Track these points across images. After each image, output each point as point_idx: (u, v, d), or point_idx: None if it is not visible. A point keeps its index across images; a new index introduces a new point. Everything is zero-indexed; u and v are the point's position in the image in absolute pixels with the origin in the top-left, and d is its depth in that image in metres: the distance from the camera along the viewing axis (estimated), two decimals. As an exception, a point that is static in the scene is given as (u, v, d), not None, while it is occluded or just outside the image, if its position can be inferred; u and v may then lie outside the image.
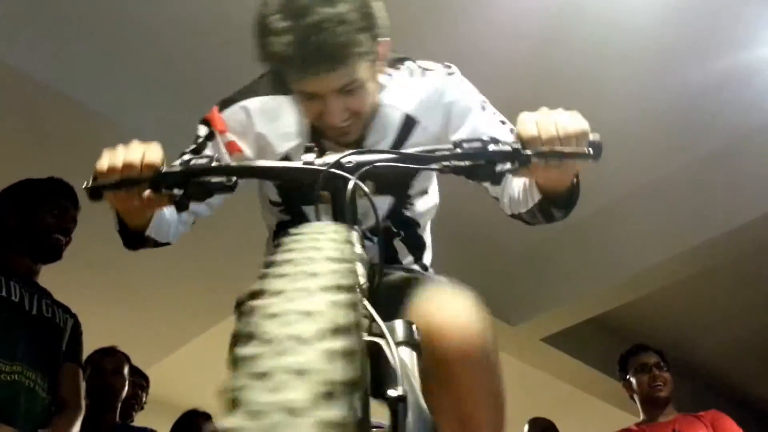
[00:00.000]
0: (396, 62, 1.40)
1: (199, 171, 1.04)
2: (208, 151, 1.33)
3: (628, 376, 3.20)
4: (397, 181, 1.41)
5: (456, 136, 1.31)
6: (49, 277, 2.33)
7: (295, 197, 1.40)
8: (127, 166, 1.07)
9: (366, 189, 0.98)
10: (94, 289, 3.87)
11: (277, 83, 1.33)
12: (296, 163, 1.04)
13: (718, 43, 3.16)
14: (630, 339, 4.57)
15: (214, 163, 1.05)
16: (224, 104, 1.38)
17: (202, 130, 1.38)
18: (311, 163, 1.02)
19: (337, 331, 0.46)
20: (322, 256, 0.57)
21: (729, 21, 3.05)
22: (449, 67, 1.41)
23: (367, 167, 1.00)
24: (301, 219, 1.41)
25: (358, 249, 0.64)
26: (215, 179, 1.04)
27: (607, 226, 3.91)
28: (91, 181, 1.09)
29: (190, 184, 1.05)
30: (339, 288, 0.51)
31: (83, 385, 2.32)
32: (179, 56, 3.06)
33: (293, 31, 1.11)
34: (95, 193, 1.08)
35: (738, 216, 3.58)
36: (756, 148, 3.51)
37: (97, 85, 2.97)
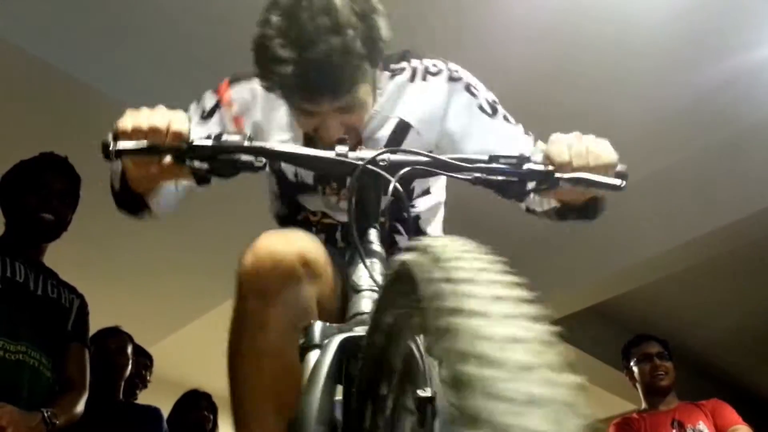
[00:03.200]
0: (398, 59, 1.36)
1: (231, 148, 1.01)
2: (213, 121, 1.31)
3: (630, 365, 3.23)
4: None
5: (470, 145, 1.30)
6: (53, 256, 2.32)
7: (291, 187, 1.39)
8: (153, 131, 1.01)
9: (401, 189, 0.96)
10: (98, 268, 3.87)
11: None
12: (329, 154, 1.03)
13: (728, 40, 3.16)
14: (628, 328, 4.60)
15: (247, 143, 1.02)
16: (235, 79, 1.36)
17: (210, 100, 1.35)
18: (345, 156, 1.01)
19: (559, 364, 0.45)
20: (498, 279, 0.55)
21: (739, 18, 3.04)
22: (455, 71, 1.36)
23: (407, 169, 0.98)
24: (297, 209, 1.41)
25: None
26: (245, 158, 1.01)
27: (607, 215, 3.88)
28: (111, 140, 1.01)
29: (216, 160, 1.02)
30: (536, 318, 0.50)
31: (88, 365, 2.32)
32: (188, 37, 3.04)
33: (297, 62, 1.08)
34: (115, 153, 1.00)
35: (738, 209, 3.59)
36: (758, 142, 3.52)
37: (105, 65, 2.96)
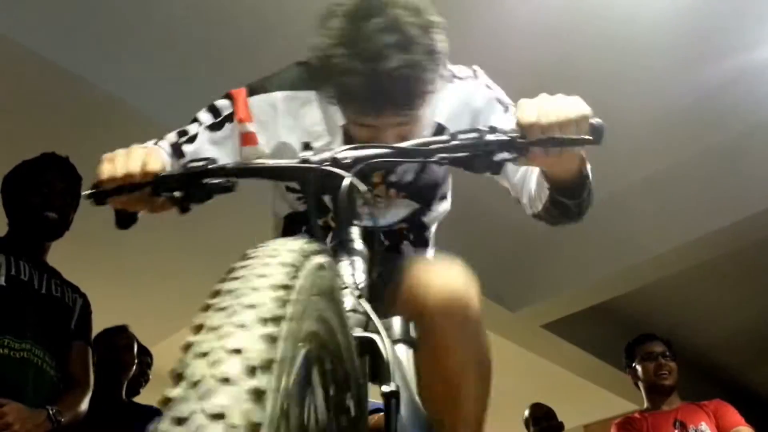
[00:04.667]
0: None
1: (198, 173, 1.05)
2: (225, 130, 1.30)
3: (634, 364, 3.23)
4: (426, 187, 1.40)
5: None
6: (56, 255, 2.33)
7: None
8: (128, 176, 1.07)
9: (362, 186, 0.94)
10: (101, 268, 3.88)
11: (306, 77, 1.29)
12: (291, 162, 1.03)
13: (730, 40, 3.17)
14: (630, 327, 4.59)
15: (210, 166, 1.05)
16: (253, 91, 1.33)
17: (224, 109, 1.32)
18: (307, 161, 1.00)
19: (261, 368, 0.45)
20: (267, 284, 0.54)
21: (740, 19, 3.05)
22: (475, 71, 1.38)
23: (364, 163, 0.98)
24: (320, 208, 1.38)
25: (317, 264, 0.62)
26: (214, 181, 1.04)
27: (610, 215, 3.91)
28: (91, 189, 1.10)
29: (189, 187, 1.06)
30: (272, 320, 0.49)
31: (91, 363, 2.34)
32: (192, 38, 3.05)
33: (366, 75, 1.07)
34: (97, 199, 1.09)
35: (740, 209, 3.60)
36: (760, 143, 3.51)
37: (109, 65, 2.95)
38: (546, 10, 2.98)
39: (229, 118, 1.30)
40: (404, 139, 1.15)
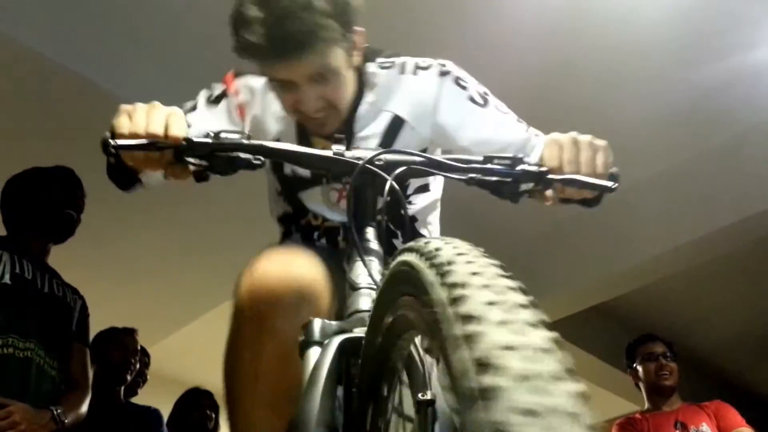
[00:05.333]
0: (387, 56, 1.40)
1: (230, 146, 1.01)
2: (220, 108, 1.36)
3: (635, 365, 3.23)
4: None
5: (464, 136, 1.32)
6: (55, 254, 2.33)
7: (290, 183, 1.40)
8: (151, 135, 1.02)
9: (398, 188, 0.96)
10: (99, 268, 3.87)
11: None
12: (327, 152, 1.04)
13: (729, 41, 3.16)
14: (631, 327, 4.59)
15: (244, 140, 1.02)
16: (239, 73, 1.41)
17: (217, 89, 1.39)
18: (342, 155, 1.02)
19: (572, 372, 0.44)
20: (513, 284, 0.54)
21: (739, 20, 3.04)
22: (443, 65, 1.38)
23: (403, 168, 0.99)
24: (299, 209, 1.42)
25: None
26: (243, 156, 1.01)
27: (611, 215, 3.90)
28: (109, 137, 1.02)
29: (215, 157, 1.02)
30: (546, 324, 0.48)
31: (90, 366, 2.34)
32: (197, 40, 3.04)
33: (263, 21, 1.11)
34: (113, 150, 1.01)
35: (740, 209, 3.59)
36: (760, 143, 3.51)
37: (115, 67, 2.95)
38: (546, 12, 2.97)
39: (224, 94, 1.38)
40: (328, 102, 1.22)
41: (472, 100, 1.34)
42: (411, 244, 0.65)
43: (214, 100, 1.37)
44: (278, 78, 1.20)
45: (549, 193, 1.07)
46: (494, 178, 1.03)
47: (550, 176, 1.04)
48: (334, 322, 0.91)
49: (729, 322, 5.10)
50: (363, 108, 1.34)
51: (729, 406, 3.07)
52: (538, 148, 1.11)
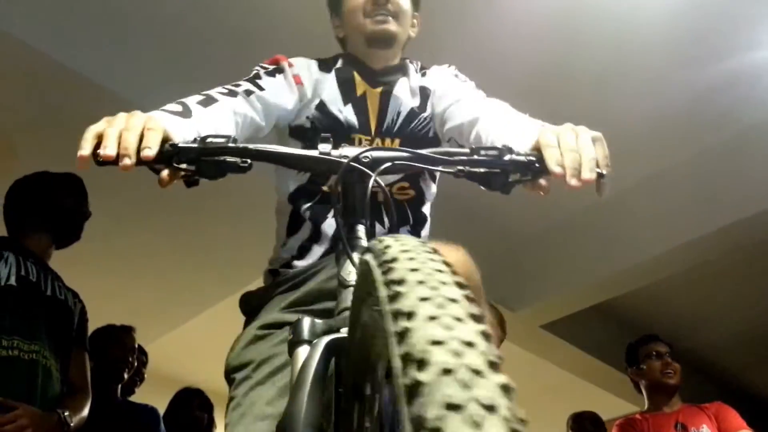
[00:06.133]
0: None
1: (216, 150, 1.01)
2: (279, 78, 1.46)
3: (639, 363, 3.21)
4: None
5: (446, 101, 1.47)
6: (54, 253, 2.33)
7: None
8: (124, 155, 0.96)
9: (384, 186, 0.98)
10: (96, 266, 3.86)
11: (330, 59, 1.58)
12: (313, 152, 1.05)
13: (728, 40, 3.16)
14: (630, 328, 4.59)
15: (230, 144, 1.02)
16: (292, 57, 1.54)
17: (269, 66, 1.49)
18: (328, 154, 1.03)
19: (495, 364, 0.46)
20: (449, 279, 0.55)
21: (739, 19, 3.04)
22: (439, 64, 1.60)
23: (388, 164, 1.00)
24: (317, 184, 1.45)
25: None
26: (230, 159, 1.01)
27: (610, 215, 3.91)
28: (88, 149, 0.98)
29: (202, 162, 1.02)
30: (476, 318, 0.50)
31: (88, 369, 2.34)
32: (204, 42, 3.03)
33: None
34: (100, 164, 0.98)
35: (739, 209, 3.58)
36: (759, 143, 3.50)
37: (121, 69, 2.95)
38: (544, 11, 2.96)
39: (279, 69, 1.49)
40: (396, 5, 1.50)
41: (456, 76, 1.55)
42: (370, 243, 0.69)
43: (271, 72, 1.46)
44: None
45: (542, 182, 1.04)
46: (482, 170, 1.02)
47: (537, 165, 1.02)
48: (322, 321, 0.91)
49: (729, 323, 5.09)
50: (405, 68, 1.57)
51: (729, 407, 3.06)
52: (531, 137, 1.08)
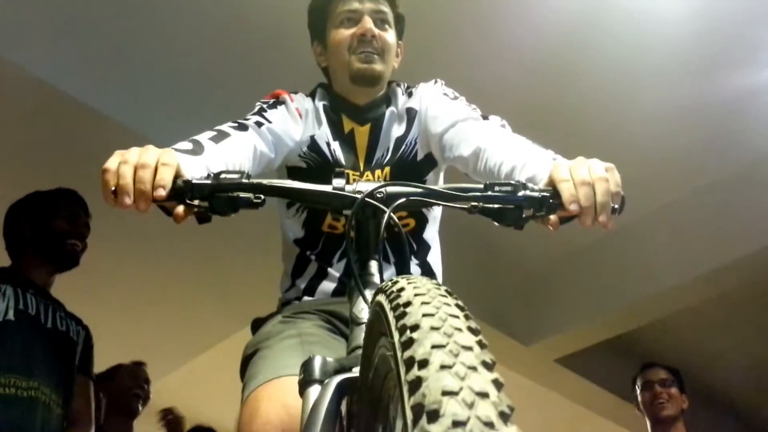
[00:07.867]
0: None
1: (229, 186, 1.01)
2: (281, 111, 1.45)
3: (637, 396, 3.12)
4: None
5: (438, 121, 1.45)
6: (61, 287, 2.31)
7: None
8: (139, 195, 0.98)
9: (398, 222, 0.98)
10: (104, 301, 3.86)
11: (323, 93, 1.57)
12: (327, 188, 1.04)
13: (740, 68, 3.16)
14: (645, 362, 4.50)
15: (244, 180, 1.02)
16: (292, 92, 1.54)
17: (269, 100, 1.48)
18: (342, 189, 1.02)
19: (507, 416, 0.46)
20: (463, 325, 0.55)
21: (751, 48, 3.04)
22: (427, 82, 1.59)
23: (403, 200, 1.00)
24: (317, 217, 1.45)
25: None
26: (243, 195, 1.01)
27: (622, 248, 3.88)
28: (111, 197, 0.99)
29: (215, 198, 1.01)
30: (488, 366, 0.51)
31: (93, 398, 2.30)
32: (206, 69, 3.06)
33: None
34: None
35: (753, 241, 3.55)
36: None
37: (124, 97, 2.97)
38: (553, 27, 2.96)
39: (279, 101, 1.49)
40: (381, 44, 1.47)
41: (444, 94, 1.53)
42: (383, 284, 0.68)
43: (272, 105, 1.47)
44: (348, 9, 1.48)
45: (552, 217, 1.04)
46: (497, 206, 1.01)
47: (553, 201, 1.02)
48: (333, 359, 0.90)
49: (743, 355, 5.01)
50: (392, 92, 1.57)
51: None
52: (544, 171, 1.07)
